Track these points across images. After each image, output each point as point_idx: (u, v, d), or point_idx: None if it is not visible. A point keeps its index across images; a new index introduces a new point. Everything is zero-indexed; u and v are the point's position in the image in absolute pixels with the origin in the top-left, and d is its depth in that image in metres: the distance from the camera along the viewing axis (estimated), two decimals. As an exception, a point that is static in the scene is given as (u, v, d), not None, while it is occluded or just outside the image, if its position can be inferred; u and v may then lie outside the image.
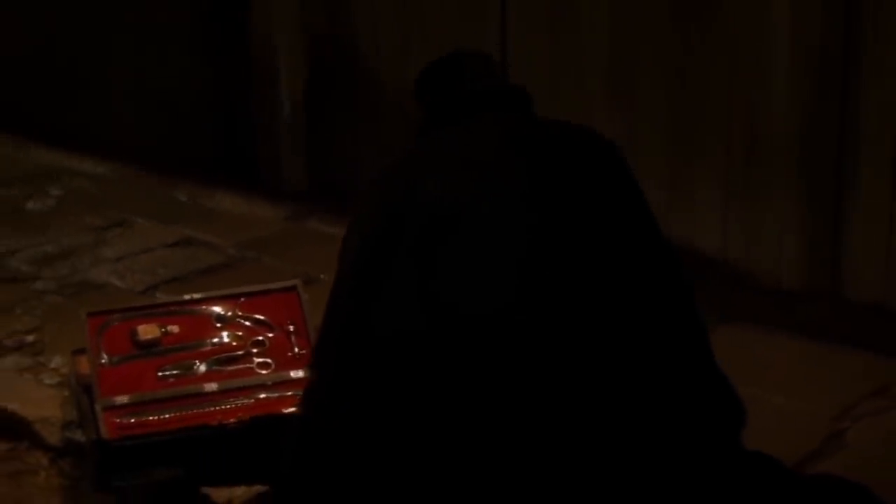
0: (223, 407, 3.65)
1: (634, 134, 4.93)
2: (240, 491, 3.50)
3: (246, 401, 3.66)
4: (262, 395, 3.70)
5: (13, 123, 7.62)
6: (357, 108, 5.86)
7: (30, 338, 4.67)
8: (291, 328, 3.86)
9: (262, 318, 3.91)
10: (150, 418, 3.60)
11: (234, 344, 3.86)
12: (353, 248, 2.98)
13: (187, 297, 4.02)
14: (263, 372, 3.77)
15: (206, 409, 3.63)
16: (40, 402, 4.10)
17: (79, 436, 3.81)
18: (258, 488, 3.48)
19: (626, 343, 2.88)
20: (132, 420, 3.58)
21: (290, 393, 3.62)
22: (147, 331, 3.84)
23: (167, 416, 3.61)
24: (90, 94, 7.35)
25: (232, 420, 3.53)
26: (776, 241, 4.66)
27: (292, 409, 3.42)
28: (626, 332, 2.89)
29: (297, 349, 3.80)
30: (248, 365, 3.80)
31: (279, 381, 3.71)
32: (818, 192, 4.52)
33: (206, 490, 3.49)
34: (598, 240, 2.91)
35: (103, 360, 3.77)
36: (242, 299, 3.97)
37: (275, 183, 6.24)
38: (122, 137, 7.08)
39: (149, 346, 3.82)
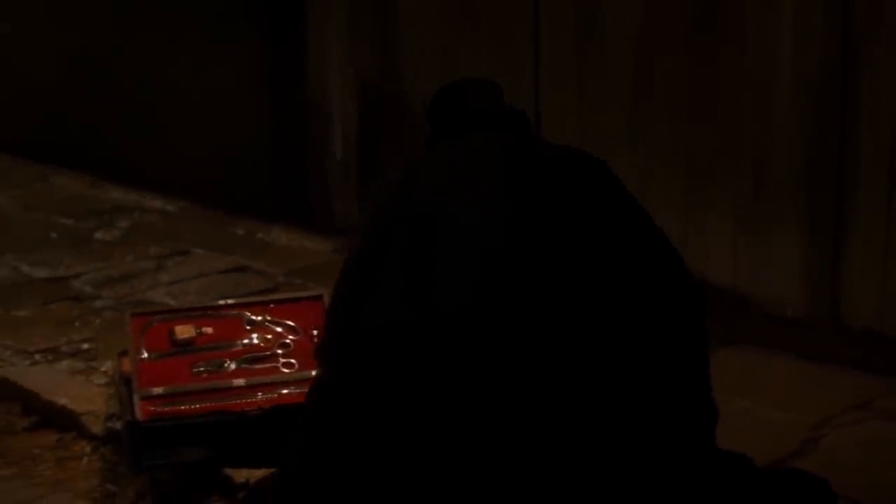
0: (248, 399, 3.97)
1: (652, 171, 5.25)
2: (259, 473, 3.82)
3: (269, 395, 3.98)
4: (285, 391, 4.02)
5: (91, 163, 8.15)
6: (404, 148, 6.22)
7: (85, 346, 5.07)
8: (315, 332, 4.19)
9: (289, 322, 4.26)
10: (181, 407, 3.94)
11: (262, 345, 4.21)
12: (353, 249, 3.31)
13: (222, 301, 4.39)
14: (287, 371, 4.10)
15: (233, 401, 3.95)
16: (88, 398, 4.49)
17: (119, 425, 4.16)
18: (274, 471, 3.79)
19: (599, 342, 3.08)
20: (165, 408, 3.93)
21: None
22: (184, 331, 4.22)
23: (197, 406, 3.95)
24: (163, 137, 7.83)
25: (253, 408, 3.86)
26: (782, 271, 4.93)
27: (305, 402, 3.74)
28: (600, 332, 3.08)
29: (319, 351, 4.12)
30: (273, 364, 4.14)
31: (300, 378, 4.01)
32: (819, 227, 4.79)
33: (229, 471, 3.82)
34: (573, 239, 3.15)
35: (143, 356, 4.14)
36: (272, 305, 4.34)
37: (327, 219, 6.63)
38: (189, 178, 7.52)
39: (185, 345, 4.19)
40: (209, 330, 4.24)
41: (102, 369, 4.72)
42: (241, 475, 3.81)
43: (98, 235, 6.84)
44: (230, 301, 4.39)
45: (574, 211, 3.20)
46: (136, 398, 3.97)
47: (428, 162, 3.41)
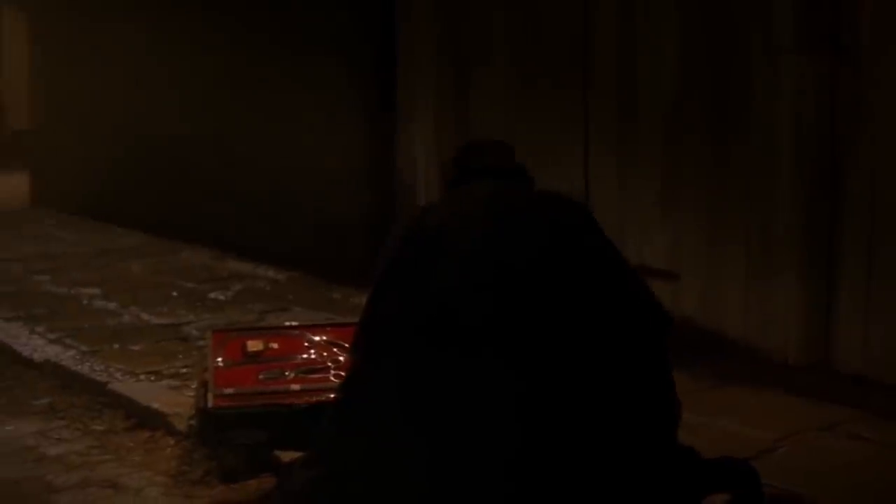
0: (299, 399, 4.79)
1: (680, 236, 6.01)
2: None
3: (318, 397, 4.78)
4: (332, 396, 4.81)
5: (216, 239, 9.18)
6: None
7: (183, 370, 5.96)
8: (362, 349, 4.98)
9: (342, 342, 5.07)
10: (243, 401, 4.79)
11: (318, 359, 5.05)
12: (379, 265, 4.15)
13: (287, 323, 5.25)
14: (336, 380, 4.89)
15: (287, 401, 4.78)
16: (177, 404, 5.35)
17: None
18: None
19: (575, 345, 3.81)
20: (230, 401, 4.78)
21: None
22: (254, 345, 5.08)
23: (256, 401, 4.79)
24: (278, 216, 8.82)
25: (301, 403, 4.68)
26: (783, 325, 5.61)
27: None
28: (571, 332, 3.81)
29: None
30: (325, 375, 4.95)
31: (346, 386, 4.81)
32: (815, 287, 5.47)
33: (279, 453, 4.63)
34: (541, 251, 3.89)
35: (219, 364, 5.01)
36: (329, 328, 5.17)
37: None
38: (298, 252, 8.48)
39: (254, 357, 5.05)
40: (275, 345, 5.08)
41: (194, 386, 5.55)
42: (288, 455, 4.59)
43: (212, 295, 7.79)
44: (295, 323, 5.23)
45: (543, 231, 3.97)
46: (209, 395, 4.82)
47: (438, 201, 4.25)
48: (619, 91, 6.23)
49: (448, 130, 7.12)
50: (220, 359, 5.01)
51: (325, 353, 5.07)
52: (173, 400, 5.44)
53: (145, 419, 5.41)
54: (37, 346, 6.58)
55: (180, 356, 6.25)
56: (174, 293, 7.87)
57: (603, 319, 3.88)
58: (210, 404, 4.71)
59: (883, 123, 5.15)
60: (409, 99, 7.48)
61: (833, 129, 5.34)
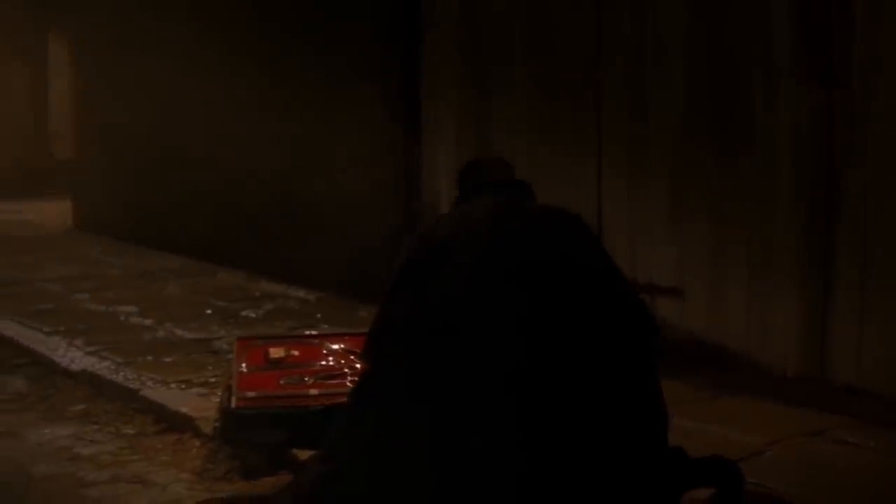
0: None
1: (685, 255, 6.28)
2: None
3: (333, 400, 5.07)
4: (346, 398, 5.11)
5: (251, 261, 9.53)
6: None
7: (212, 379, 6.27)
8: (377, 358, 5.28)
9: (359, 350, 5.35)
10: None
11: (335, 366, 5.33)
12: (391, 275, 4.45)
13: (307, 332, 5.55)
14: (351, 385, 5.18)
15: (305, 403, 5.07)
16: (204, 409, 5.66)
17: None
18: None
19: (559, 345, 4.13)
20: (251, 402, 5.08)
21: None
22: (276, 352, 5.39)
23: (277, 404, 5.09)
24: (310, 241, 9.15)
25: (316, 405, 4.98)
26: (782, 339, 5.86)
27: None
28: (558, 335, 4.13)
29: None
30: (342, 381, 5.24)
31: (361, 390, 5.10)
32: (811, 303, 5.73)
33: (296, 452, 4.93)
34: (537, 255, 4.17)
35: (243, 369, 5.31)
36: (347, 337, 5.47)
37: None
38: (329, 274, 8.80)
39: (276, 363, 5.35)
40: (296, 353, 5.38)
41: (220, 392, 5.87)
42: (305, 455, 4.89)
43: (244, 313, 8.12)
44: (314, 332, 5.53)
45: (542, 241, 4.25)
46: (233, 397, 5.13)
47: (446, 215, 4.56)
48: (630, 118, 6.52)
49: (470, 155, 7.40)
50: (244, 364, 5.31)
51: (342, 361, 5.35)
52: (201, 405, 5.75)
53: (174, 423, 5.72)
54: (74, 357, 6.92)
55: (210, 367, 6.56)
56: (208, 311, 8.20)
57: (597, 324, 4.15)
58: (233, 405, 5.00)
59: (874, 146, 5.41)
60: (432, 125, 7.81)
61: (829, 152, 5.60)
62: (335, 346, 5.47)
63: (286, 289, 8.95)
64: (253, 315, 8.06)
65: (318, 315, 8.00)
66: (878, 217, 5.42)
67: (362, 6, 8.43)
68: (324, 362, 5.37)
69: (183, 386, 6.20)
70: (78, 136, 13.27)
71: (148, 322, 7.89)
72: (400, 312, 4.23)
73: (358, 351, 5.28)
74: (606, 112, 6.65)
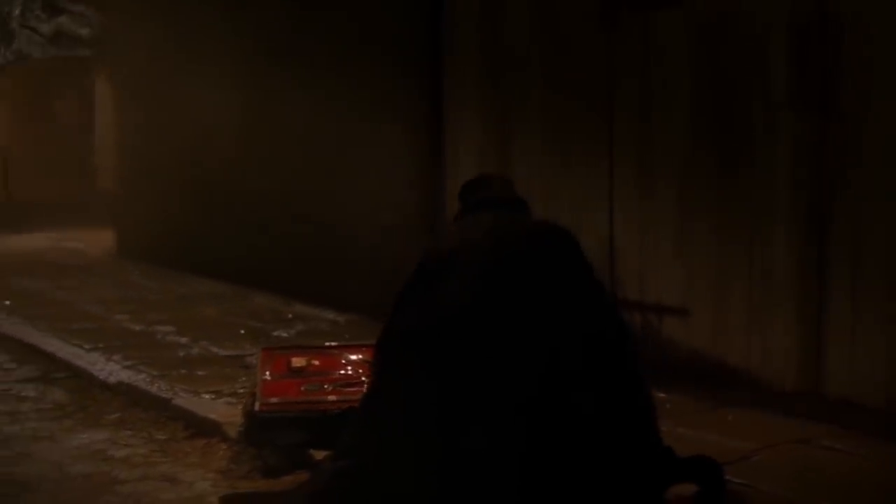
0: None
1: (691, 274, 6.60)
2: (333, 455, 5.24)
3: (348, 405, 5.39)
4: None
5: (286, 286, 9.91)
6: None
7: (241, 390, 6.62)
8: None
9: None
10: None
11: (354, 375, 5.67)
12: (403, 287, 4.81)
13: (327, 343, 5.90)
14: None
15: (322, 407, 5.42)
16: (231, 415, 6.02)
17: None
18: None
19: (555, 345, 4.48)
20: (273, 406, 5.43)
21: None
22: (298, 361, 5.74)
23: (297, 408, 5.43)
24: (342, 267, 9.52)
25: (333, 409, 5.32)
26: (780, 356, 6.16)
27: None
28: (553, 336, 4.48)
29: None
30: (360, 388, 5.56)
31: (376, 397, 5.44)
32: (807, 322, 6.03)
33: (313, 452, 5.28)
34: (534, 274, 4.55)
35: (267, 377, 5.67)
36: (364, 348, 5.81)
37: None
38: (360, 298, 9.14)
39: (298, 371, 5.70)
40: (317, 362, 5.73)
41: (248, 401, 6.22)
42: (322, 455, 5.23)
43: (276, 333, 8.49)
44: (334, 343, 5.89)
45: (536, 254, 4.61)
46: (256, 402, 5.48)
47: (451, 230, 4.92)
48: (638, 152, 6.86)
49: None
50: (268, 372, 5.66)
51: (360, 370, 5.68)
52: (229, 412, 6.11)
53: (203, 428, 6.09)
54: (112, 370, 7.31)
55: (241, 380, 6.92)
56: (241, 331, 8.57)
57: (585, 328, 4.51)
58: (256, 409, 5.36)
59: (864, 173, 5.72)
60: (455, 155, 8.17)
61: (821, 179, 5.91)
62: (353, 357, 5.80)
63: (318, 311, 9.30)
64: (285, 335, 8.42)
65: (347, 335, 8.32)
66: (866, 240, 5.72)
67: (390, 45, 8.82)
68: (343, 371, 5.71)
69: (213, 396, 6.56)
70: (119, 169, 13.74)
71: (184, 340, 8.27)
72: (408, 321, 4.59)
73: (374, 361, 5.62)
74: (618, 146, 6.99)
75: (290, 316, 9.22)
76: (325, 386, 5.58)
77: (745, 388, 6.25)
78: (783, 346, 6.13)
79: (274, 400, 5.48)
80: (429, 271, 4.68)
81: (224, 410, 6.18)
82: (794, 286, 6.08)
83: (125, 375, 7.17)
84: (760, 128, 6.19)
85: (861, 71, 5.71)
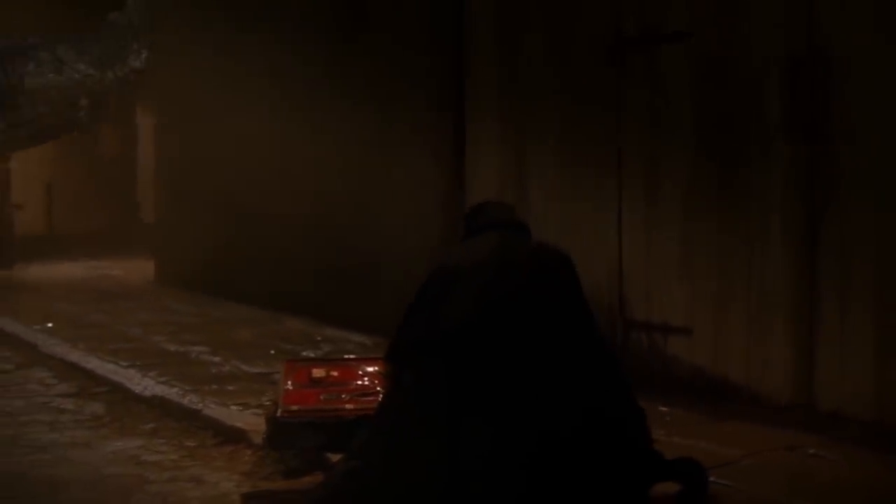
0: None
1: (694, 296, 6.95)
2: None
3: (364, 413, 5.77)
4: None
5: (317, 309, 10.32)
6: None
7: (268, 403, 7.00)
8: (407, 378, 6.00)
9: (389, 371, 6.07)
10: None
11: (370, 385, 6.06)
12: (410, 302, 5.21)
13: (346, 356, 6.29)
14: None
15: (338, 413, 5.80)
16: (256, 424, 6.41)
17: (270, 434, 6.06)
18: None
19: (551, 353, 4.87)
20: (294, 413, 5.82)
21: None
22: (318, 372, 6.12)
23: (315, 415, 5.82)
24: (369, 292, 9.91)
25: (348, 416, 5.70)
26: (778, 371, 6.50)
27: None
28: (550, 345, 4.86)
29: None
30: (375, 398, 5.93)
31: (390, 405, 5.82)
32: (801, 340, 6.36)
33: (330, 455, 5.65)
34: (534, 290, 4.93)
35: (289, 387, 6.06)
36: (380, 360, 6.18)
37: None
38: (385, 321, 9.48)
39: (318, 382, 6.08)
40: (335, 373, 6.11)
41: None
42: (336, 456, 5.59)
43: (304, 353, 8.88)
44: (352, 356, 6.27)
45: (535, 273, 5.00)
46: (279, 409, 5.87)
47: (457, 248, 5.31)
48: (645, 179, 7.23)
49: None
50: (289, 383, 6.05)
51: (375, 381, 6.06)
52: (255, 421, 6.50)
53: (230, 436, 6.49)
54: (147, 385, 7.73)
55: (267, 394, 7.29)
56: (272, 352, 8.98)
57: (576, 339, 4.91)
58: (278, 415, 5.75)
59: (851, 199, 6.07)
60: (477, 185, 8.56)
61: (812, 200, 6.27)
62: (370, 368, 6.18)
63: (346, 334, 9.70)
64: (312, 355, 8.80)
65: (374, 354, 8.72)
66: (853, 261, 6.06)
67: (419, 81, 9.27)
68: (359, 382, 6.09)
69: (241, 408, 6.96)
70: (159, 200, 14.23)
71: (216, 359, 8.69)
72: (414, 335, 4.99)
73: (389, 372, 5.99)
74: (626, 174, 7.37)
75: (319, 338, 9.61)
76: (343, 395, 5.95)
77: (745, 402, 6.57)
78: (779, 363, 6.46)
79: (294, 407, 5.86)
80: (435, 287, 5.06)
81: (250, 420, 6.57)
82: (787, 305, 6.41)
83: (159, 389, 7.58)
84: (757, 154, 6.54)
85: (847, 100, 6.07)
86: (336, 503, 4.92)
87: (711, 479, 5.00)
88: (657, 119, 7.16)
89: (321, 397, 5.95)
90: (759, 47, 6.53)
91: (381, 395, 5.78)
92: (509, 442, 4.72)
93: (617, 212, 7.47)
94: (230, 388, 7.59)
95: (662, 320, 7.15)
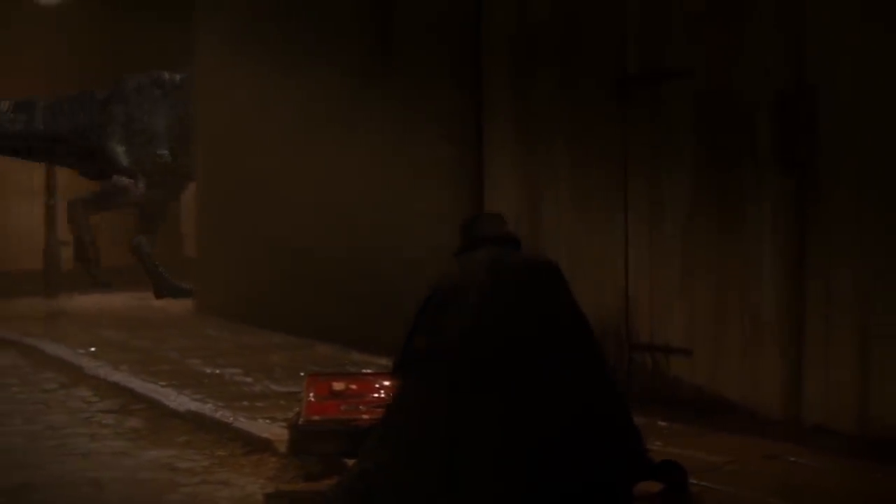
0: (367, 425, 6.28)
1: (694, 315, 7.40)
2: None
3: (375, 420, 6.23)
4: (387, 420, 6.29)
5: (346, 335, 10.83)
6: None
7: (289, 415, 7.50)
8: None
9: (404, 385, 6.55)
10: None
11: (386, 398, 6.51)
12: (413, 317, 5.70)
13: (365, 371, 6.77)
14: (396, 411, 6.37)
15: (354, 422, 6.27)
16: (282, 435, 6.89)
17: (293, 443, 6.55)
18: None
19: (544, 356, 5.34)
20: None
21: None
22: (338, 385, 6.59)
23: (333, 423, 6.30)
24: (395, 319, 10.38)
25: (364, 424, 6.17)
26: (770, 388, 6.92)
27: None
28: (544, 350, 5.34)
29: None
30: (391, 409, 6.42)
31: (404, 415, 6.29)
32: (790, 358, 6.78)
33: (347, 460, 6.13)
34: (527, 299, 5.41)
35: (311, 398, 6.54)
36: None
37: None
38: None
39: (338, 394, 6.55)
40: (354, 386, 6.57)
41: (298, 424, 7.10)
42: (351, 461, 6.06)
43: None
44: (370, 371, 6.76)
45: (527, 284, 5.48)
46: (301, 419, 6.36)
47: (452, 268, 5.80)
48: (649, 208, 7.70)
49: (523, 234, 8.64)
50: (311, 395, 6.53)
51: (391, 393, 6.51)
52: (280, 433, 6.99)
53: (257, 446, 6.99)
54: (182, 402, 8.25)
55: (294, 409, 7.76)
56: (301, 373, 9.43)
57: (571, 350, 5.38)
58: (300, 424, 6.24)
59: (834, 227, 6.52)
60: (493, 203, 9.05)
61: (801, 231, 6.71)
62: (386, 382, 6.63)
63: (372, 358, 10.13)
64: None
65: (395, 378, 9.19)
66: (836, 283, 6.49)
67: (440, 116, 9.79)
68: (377, 394, 6.54)
69: (268, 421, 7.46)
70: (201, 235, 14.82)
71: (248, 380, 9.20)
72: (418, 347, 5.48)
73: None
74: (631, 205, 7.83)
75: (346, 362, 10.09)
76: (361, 406, 6.41)
77: (741, 418, 6.98)
78: (770, 380, 6.88)
79: (315, 417, 6.34)
80: (436, 302, 5.56)
81: (276, 431, 7.06)
82: (778, 326, 6.83)
83: (194, 405, 8.09)
84: (751, 185, 6.99)
85: (833, 132, 6.51)
86: (348, 502, 5.40)
87: (695, 481, 5.44)
88: (659, 151, 7.63)
89: (341, 408, 6.41)
90: (752, 83, 6.99)
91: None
92: (508, 442, 5.20)
93: (623, 240, 7.92)
94: (260, 404, 8.08)
95: (664, 342, 7.59)
